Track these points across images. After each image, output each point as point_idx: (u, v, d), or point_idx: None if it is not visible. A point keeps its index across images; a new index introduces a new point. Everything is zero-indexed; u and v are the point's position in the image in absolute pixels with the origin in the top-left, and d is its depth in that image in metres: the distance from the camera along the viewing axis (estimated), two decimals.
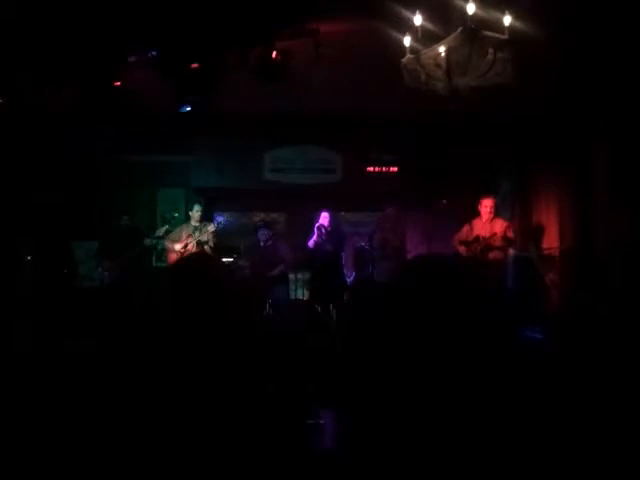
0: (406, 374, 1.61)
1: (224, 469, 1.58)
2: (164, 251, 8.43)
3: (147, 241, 7.71)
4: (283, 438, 1.74)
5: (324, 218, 7.77)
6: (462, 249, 7.23)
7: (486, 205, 7.22)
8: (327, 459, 1.77)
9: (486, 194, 7.39)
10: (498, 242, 7.08)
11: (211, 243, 7.54)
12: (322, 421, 2.04)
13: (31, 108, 6.98)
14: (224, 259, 7.74)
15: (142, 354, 1.79)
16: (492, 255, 7.09)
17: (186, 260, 2.17)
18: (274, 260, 7.78)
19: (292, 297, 8.46)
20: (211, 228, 7.60)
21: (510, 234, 7.17)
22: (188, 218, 7.82)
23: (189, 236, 7.58)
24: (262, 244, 7.89)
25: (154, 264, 8.24)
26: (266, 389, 1.82)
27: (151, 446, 1.58)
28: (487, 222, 7.20)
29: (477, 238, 7.16)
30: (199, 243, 7.51)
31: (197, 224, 7.67)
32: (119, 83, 6.26)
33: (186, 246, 7.50)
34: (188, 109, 6.54)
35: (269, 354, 2.16)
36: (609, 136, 6.62)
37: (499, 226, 7.19)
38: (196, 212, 7.70)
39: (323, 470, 1.67)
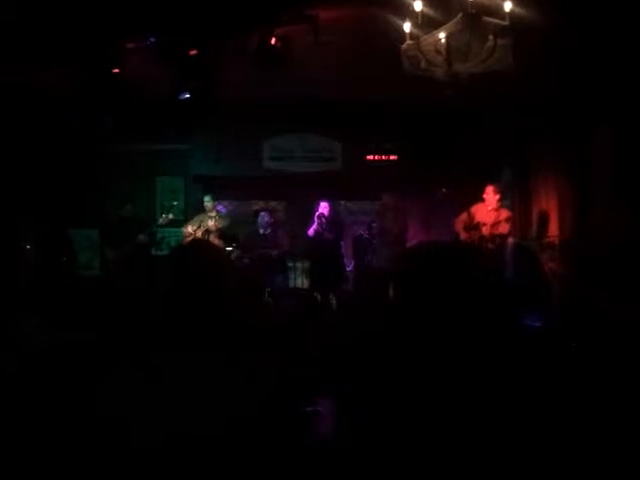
0: (407, 361, 1.60)
1: (223, 456, 1.57)
2: (163, 240, 8.44)
3: (141, 237, 7.68)
4: (281, 425, 1.74)
5: (324, 207, 7.79)
6: (465, 235, 7.21)
7: (487, 192, 7.19)
8: (325, 447, 1.76)
9: (490, 182, 7.35)
10: (500, 230, 7.07)
11: (217, 232, 7.58)
12: (320, 409, 2.04)
13: (30, 94, 6.95)
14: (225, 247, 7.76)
15: (141, 342, 1.78)
16: (493, 243, 7.07)
17: (184, 246, 2.16)
18: (273, 248, 7.81)
19: (292, 285, 8.47)
20: (224, 218, 7.74)
21: (505, 228, 7.13)
22: (187, 206, 7.81)
23: (199, 227, 7.64)
24: (262, 231, 7.91)
25: (153, 252, 8.23)
26: (265, 376, 1.82)
27: (150, 436, 1.57)
28: (492, 210, 7.17)
29: (478, 225, 7.14)
30: (205, 232, 7.55)
31: (212, 214, 7.71)
32: (118, 70, 6.22)
33: (195, 236, 7.56)
34: (187, 96, 6.51)
35: (267, 341, 2.15)
36: (610, 123, 6.58)
37: (502, 216, 7.16)
38: (207, 202, 7.75)
39: (321, 458, 1.66)
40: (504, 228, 7.14)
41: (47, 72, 6.58)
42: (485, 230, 7.05)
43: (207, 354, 1.69)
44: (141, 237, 7.68)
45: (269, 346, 2.06)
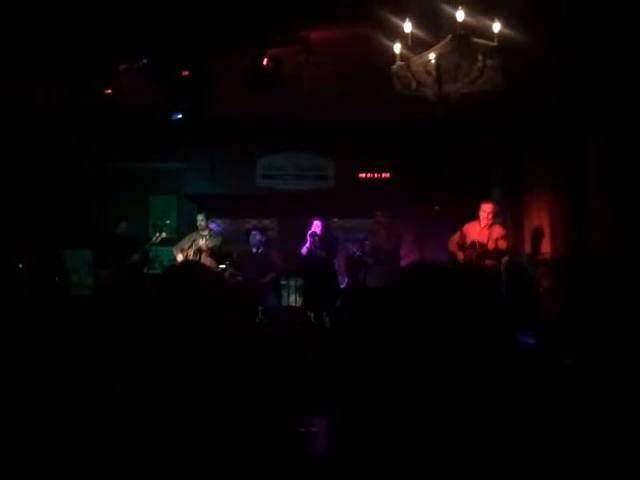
0: (401, 380, 1.60)
1: (214, 474, 1.56)
2: (156, 258, 8.42)
3: (134, 256, 7.63)
4: (275, 446, 1.73)
5: (316, 226, 7.81)
6: (461, 254, 7.23)
7: (485, 210, 7.19)
8: (320, 467, 1.76)
9: (486, 199, 7.38)
10: (494, 248, 7.08)
11: (208, 251, 7.57)
12: (314, 429, 2.03)
13: (23, 114, 6.97)
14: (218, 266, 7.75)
15: (132, 363, 1.77)
16: (487, 261, 7.08)
17: (174, 268, 2.16)
18: (266, 267, 7.80)
19: (285, 304, 8.46)
20: (215, 237, 7.73)
21: (503, 244, 7.15)
22: (180, 225, 7.81)
23: (191, 246, 7.63)
24: (254, 250, 7.91)
25: (145, 271, 8.20)
26: (257, 396, 1.81)
27: (142, 454, 1.57)
28: (485, 228, 7.19)
29: (473, 243, 7.16)
30: (197, 252, 7.54)
31: (204, 233, 7.71)
32: (110, 90, 6.25)
33: (187, 255, 7.54)
34: (179, 116, 6.54)
35: (261, 361, 2.15)
36: (602, 138, 6.64)
37: (495, 233, 7.18)
38: (200, 221, 7.74)
39: (315, 478, 1.66)
40: (502, 245, 7.16)
41: (40, 92, 6.60)
42: (481, 249, 7.07)
43: (198, 372, 1.69)
44: (134, 256, 7.64)
45: (262, 364, 2.06)
